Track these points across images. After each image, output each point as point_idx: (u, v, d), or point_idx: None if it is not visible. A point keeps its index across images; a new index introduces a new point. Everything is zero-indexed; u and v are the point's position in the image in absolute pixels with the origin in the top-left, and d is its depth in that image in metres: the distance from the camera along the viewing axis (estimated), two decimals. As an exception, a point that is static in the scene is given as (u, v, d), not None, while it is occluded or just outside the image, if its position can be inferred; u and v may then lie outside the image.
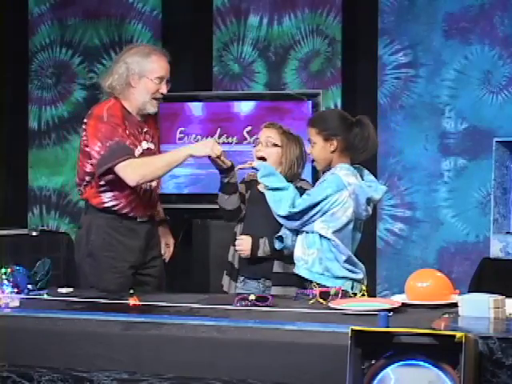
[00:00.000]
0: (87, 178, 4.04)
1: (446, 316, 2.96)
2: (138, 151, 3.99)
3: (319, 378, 2.68)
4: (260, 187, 4.00)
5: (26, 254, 5.79)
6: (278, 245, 3.86)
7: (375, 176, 3.94)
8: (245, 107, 6.25)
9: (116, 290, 3.82)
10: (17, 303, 3.34)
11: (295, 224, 3.71)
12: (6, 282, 3.43)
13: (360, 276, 3.74)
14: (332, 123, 3.75)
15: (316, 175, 5.95)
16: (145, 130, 4.07)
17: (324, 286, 3.52)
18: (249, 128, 6.14)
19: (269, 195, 3.77)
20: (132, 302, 3.33)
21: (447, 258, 6.03)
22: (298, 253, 3.75)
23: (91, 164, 4.00)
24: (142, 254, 4.08)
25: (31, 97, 7.00)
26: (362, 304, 3.17)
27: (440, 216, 6.06)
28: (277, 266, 3.95)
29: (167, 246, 4.29)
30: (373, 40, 6.17)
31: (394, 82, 6.17)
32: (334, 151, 3.74)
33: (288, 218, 3.70)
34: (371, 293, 3.66)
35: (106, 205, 4.00)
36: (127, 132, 3.95)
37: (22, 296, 3.46)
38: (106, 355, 2.90)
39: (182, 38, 6.55)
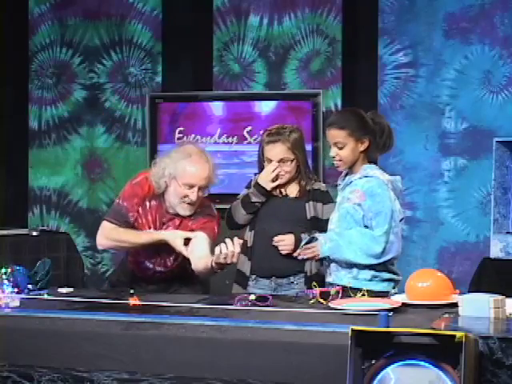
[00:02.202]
0: None
1: (446, 316, 2.96)
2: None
3: (319, 378, 2.68)
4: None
5: (26, 254, 5.79)
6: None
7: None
8: (245, 107, 6.25)
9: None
10: (17, 303, 3.34)
11: (383, 246, 3.60)
12: (6, 281, 3.43)
13: (400, 277, 3.70)
14: (359, 123, 3.70)
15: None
16: (169, 222, 3.92)
17: (371, 292, 3.48)
18: (249, 128, 6.14)
19: (349, 258, 3.65)
20: (132, 301, 3.33)
21: (447, 258, 6.03)
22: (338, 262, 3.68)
23: None
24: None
25: (31, 97, 7.00)
26: (362, 304, 3.17)
27: (440, 216, 6.06)
28: (314, 267, 4.00)
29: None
30: (373, 40, 6.17)
31: (394, 82, 6.17)
32: (362, 151, 3.70)
33: (383, 251, 3.59)
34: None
35: None
36: (140, 210, 3.91)
37: (22, 296, 3.47)
38: (106, 355, 2.90)
39: (182, 37, 6.55)
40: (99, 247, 4.02)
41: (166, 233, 3.84)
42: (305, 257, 3.77)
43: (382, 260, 3.59)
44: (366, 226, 3.63)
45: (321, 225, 4.01)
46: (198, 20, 6.60)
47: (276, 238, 3.98)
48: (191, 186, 3.78)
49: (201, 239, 3.76)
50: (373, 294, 3.46)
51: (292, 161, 4.05)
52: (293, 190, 4.11)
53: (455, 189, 6.04)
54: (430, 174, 6.09)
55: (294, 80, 6.43)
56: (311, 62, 6.38)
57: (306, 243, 3.75)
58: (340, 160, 3.71)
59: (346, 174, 3.80)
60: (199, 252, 3.70)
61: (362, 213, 3.63)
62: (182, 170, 3.80)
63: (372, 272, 3.62)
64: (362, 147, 3.69)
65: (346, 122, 3.70)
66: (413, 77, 6.13)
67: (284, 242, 3.97)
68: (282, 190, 4.11)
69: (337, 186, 3.86)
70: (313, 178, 4.16)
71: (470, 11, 6.00)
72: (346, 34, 6.28)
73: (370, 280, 3.62)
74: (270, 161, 4.05)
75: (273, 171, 4.01)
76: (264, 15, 6.48)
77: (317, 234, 3.78)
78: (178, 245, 3.75)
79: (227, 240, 3.48)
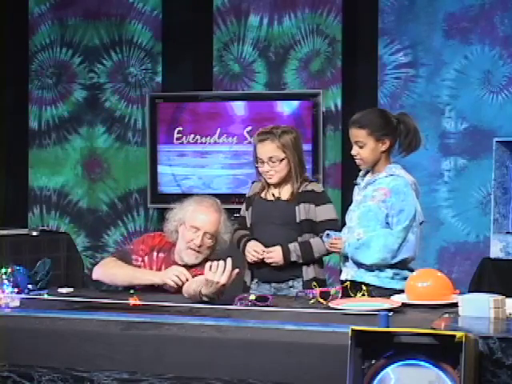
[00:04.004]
0: None
1: (446, 316, 2.96)
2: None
3: (319, 378, 2.68)
4: (264, 196, 4.07)
5: (26, 254, 5.79)
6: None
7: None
8: (246, 107, 6.26)
9: None
10: (17, 303, 3.34)
11: (399, 242, 3.61)
12: (6, 281, 3.42)
13: None
14: (381, 123, 3.70)
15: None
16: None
17: (393, 290, 3.50)
18: (249, 128, 6.15)
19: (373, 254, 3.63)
20: (132, 301, 3.33)
21: (447, 258, 6.03)
22: (362, 259, 3.66)
23: None
24: None
25: (31, 97, 7.00)
26: (362, 304, 3.17)
27: (440, 216, 6.06)
28: (310, 273, 3.98)
29: None
30: (373, 40, 6.17)
31: (394, 82, 6.17)
32: (384, 151, 3.71)
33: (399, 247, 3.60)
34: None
35: None
36: (146, 258, 3.90)
37: (23, 296, 3.46)
38: (106, 355, 2.90)
39: (182, 37, 6.55)
40: (93, 276, 3.91)
41: (158, 274, 3.76)
42: (332, 250, 3.82)
43: (398, 258, 3.60)
44: (386, 224, 3.63)
45: (315, 227, 3.98)
46: (198, 20, 6.60)
47: (264, 252, 3.95)
48: (197, 230, 3.75)
49: (198, 277, 3.62)
50: (395, 292, 3.46)
51: (282, 160, 3.98)
52: (285, 193, 4.05)
53: (455, 189, 6.04)
54: (430, 173, 6.08)
55: (293, 80, 6.42)
56: (311, 62, 6.37)
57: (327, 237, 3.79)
58: (361, 159, 3.73)
59: (365, 174, 3.80)
60: (196, 279, 3.57)
61: (385, 211, 3.63)
62: (190, 213, 3.80)
63: (394, 270, 3.62)
64: (382, 147, 3.71)
65: (366, 121, 3.71)
66: (413, 77, 6.13)
67: (271, 255, 3.95)
68: (276, 192, 4.06)
69: (356, 184, 3.86)
70: (308, 179, 4.08)
71: (470, 11, 6.00)
72: (346, 33, 6.28)
73: (392, 278, 3.62)
74: (262, 160, 4.00)
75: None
76: (264, 15, 6.48)
77: (334, 232, 3.80)
78: (170, 280, 3.66)
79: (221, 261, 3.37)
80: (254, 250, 3.97)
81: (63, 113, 6.95)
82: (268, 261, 3.96)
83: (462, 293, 3.21)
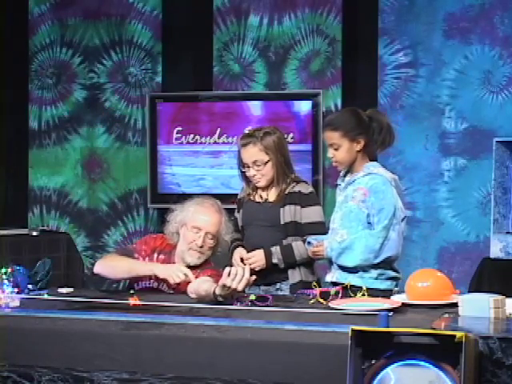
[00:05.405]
0: None
1: (446, 316, 2.96)
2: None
3: (319, 378, 2.68)
4: (253, 198, 4.05)
5: (26, 254, 5.79)
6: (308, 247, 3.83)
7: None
8: (246, 107, 6.26)
9: None
10: (17, 303, 3.35)
11: (380, 242, 3.60)
12: (6, 281, 3.43)
13: (401, 275, 3.69)
14: (353, 123, 3.67)
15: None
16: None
17: (376, 290, 3.50)
18: (249, 128, 6.13)
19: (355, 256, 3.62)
20: (132, 301, 3.33)
21: (447, 257, 6.03)
22: (345, 263, 3.64)
23: None
24: None
25: (31, 97, 7.00)
26: (362, 304, 3.17)
27: (440, 216, 6.06)
28: (297, 276, 3.96)
29: None
30: (373, 40, 6.18)
31: (394, 82, 6.17)
32: (359, 151, 3.69)
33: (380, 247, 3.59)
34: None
35: None
36: (147, 260, 3.89)
37: (23, 296, 3.47)
38: (106, 355, 2.90)
39: (182, 37, 6.55)
40: (94, 270, 3.91)
41: (160, 267, 3.75)
42: (315, 257, 3.82)
43: (381, 258, 3.58)
44: (368, 223, 3.62)
45: (300, 229, 3.95)
46: (198, 20, 6.60)
47: (245, 257, 3.94)
48: (198, 230, 3.77)
49: (205, 277, 3.63)
50: (379, 292, 3.47)
51: (266, 163, 3.95)
52: (272, 195, 4.02)
53: (455, 189, 6.04)
54: (430, 174, 6.09)
55: (294, 80, 6.42)
56: (311, 62, 6.38)
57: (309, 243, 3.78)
58: (336, 161, 3.72)
59: (345, 174, 3.79)
60: (204, 278, 3.56)
61: (366, 211, 3.61)
62: (191, 214, 3.82)
63: (378, 270, 3.61)
64: (358, 147, 3.68)
65: (339, 122, 3.69)
66: (413, 77, 6.13)
67: (253, 259, 3.92)
68: (264, 194, 4.04)
69: (337, 185, 3.85)
70: (297, 179, 4.03)
71: (470, 11, 6.00)
72: (345, 34, 6.28)
73: (376, 278, 3.61)
74: (247, 165, 3.98)
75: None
76: (264, 15, 6.48)
77: (315, 237, 3.79)
78: (175, 276, 3.63)
79: (239, 267, 3.38)
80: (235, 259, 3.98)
81: (63, 113, 6.95)
82: (251, 266, 3.89)
83: (462, 293, 3.21)
